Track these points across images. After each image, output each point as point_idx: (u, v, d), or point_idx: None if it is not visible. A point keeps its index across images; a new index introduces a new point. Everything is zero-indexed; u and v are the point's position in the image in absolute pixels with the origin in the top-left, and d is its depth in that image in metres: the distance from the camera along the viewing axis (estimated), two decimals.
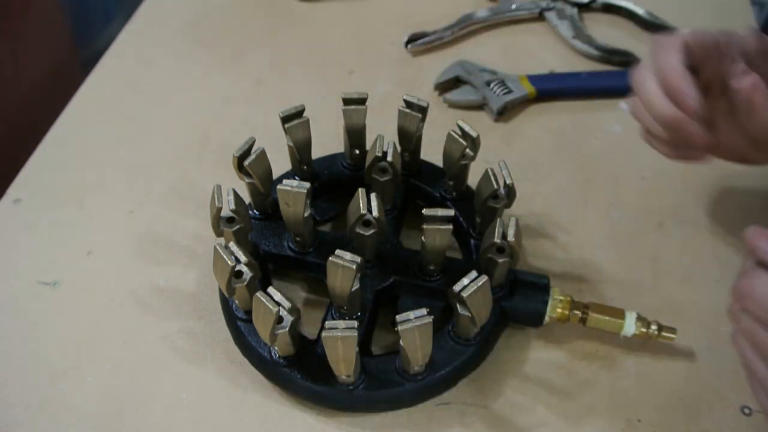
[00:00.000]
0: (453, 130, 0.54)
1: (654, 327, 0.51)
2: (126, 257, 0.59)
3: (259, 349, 0.49)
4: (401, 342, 0.44)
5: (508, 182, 0.51)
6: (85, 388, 0.51)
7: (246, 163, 0.51)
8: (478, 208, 0.53)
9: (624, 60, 0.76)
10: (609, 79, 0.74)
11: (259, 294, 0.43)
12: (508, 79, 0.72)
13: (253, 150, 0.52)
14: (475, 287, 0.44)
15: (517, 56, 0.79)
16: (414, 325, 0.42)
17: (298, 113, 0.54)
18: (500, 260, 0.48)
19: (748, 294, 0.39)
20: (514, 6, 0.82)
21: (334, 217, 0.58)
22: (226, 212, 0.50)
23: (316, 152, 0.58)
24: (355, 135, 0.57)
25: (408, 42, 0.78)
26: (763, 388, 0.39)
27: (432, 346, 0.45)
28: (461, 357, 0.49)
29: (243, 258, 0.47)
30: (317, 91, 0.74)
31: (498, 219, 0.49)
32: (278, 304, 0.44)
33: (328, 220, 0.58)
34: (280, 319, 0.44)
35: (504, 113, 0.71)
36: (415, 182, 0.59)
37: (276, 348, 0.47)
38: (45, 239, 0.61)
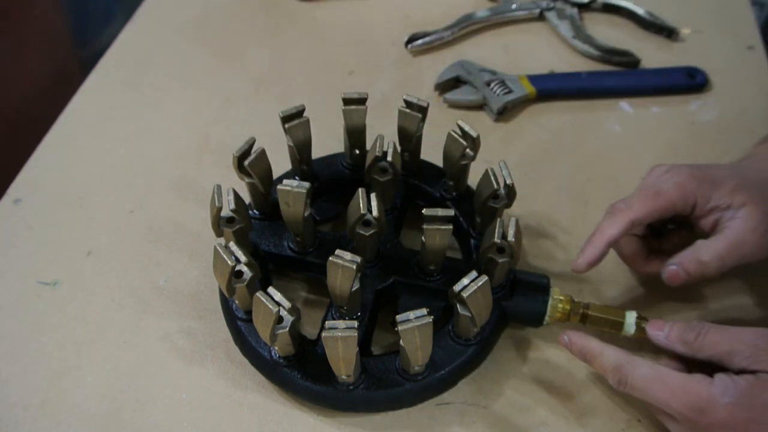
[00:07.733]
0: (453, 130, 0.54)
1: None
2: (126, 257, 0.59)
3: (259, 349, 0.49)
4: (401, 342, 0.44)
5: (508, 182, 0.51)
6: (85, 388, 0.51)
7: (246, 163, 0.51)
8: (478, 208, 0.53)
9: (624, 60, 0.76)
10: (609, 79, 0.74)
11: (259, 294, 0.43)
12: (508, 79, 0.72)
13: (253, 150, 0.52)
14: (475, 287, 0.44)
15: (517, 56, 0.79)
16: (414, 325, 0.42)
17: (298, 113, 0.54)
18: (500, 260, 0.48)
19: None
20: (514, 6, 0.82)
21: (334, 217, 0.58)
22: (226, 212, 0.50)
23: (316, 152, 0.58)
24: (355, 135, 0.57)
25: (408, 42, 0.78)
26: None
27: (432, 346, 0.45)
28: (461, 357, 0.49)
29: (243, 258, 0.47)
30: (317, 91, 0.74)
31: (498, 219, 0.49)
32: (278, 304, 0.44)
33: (328, 220, 0.58)
34: (280, 319, 0.44)
35: (504, 113, 0.71)
36: (415, 182, 0.59)
37: (276, 348, 0.47)
38: (45, 239, 0.61)
